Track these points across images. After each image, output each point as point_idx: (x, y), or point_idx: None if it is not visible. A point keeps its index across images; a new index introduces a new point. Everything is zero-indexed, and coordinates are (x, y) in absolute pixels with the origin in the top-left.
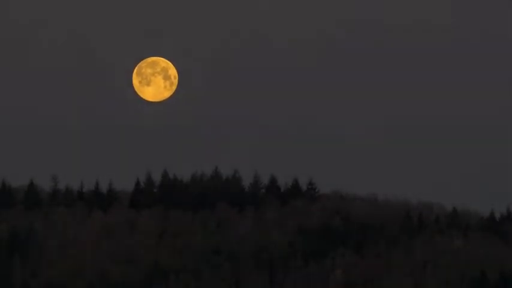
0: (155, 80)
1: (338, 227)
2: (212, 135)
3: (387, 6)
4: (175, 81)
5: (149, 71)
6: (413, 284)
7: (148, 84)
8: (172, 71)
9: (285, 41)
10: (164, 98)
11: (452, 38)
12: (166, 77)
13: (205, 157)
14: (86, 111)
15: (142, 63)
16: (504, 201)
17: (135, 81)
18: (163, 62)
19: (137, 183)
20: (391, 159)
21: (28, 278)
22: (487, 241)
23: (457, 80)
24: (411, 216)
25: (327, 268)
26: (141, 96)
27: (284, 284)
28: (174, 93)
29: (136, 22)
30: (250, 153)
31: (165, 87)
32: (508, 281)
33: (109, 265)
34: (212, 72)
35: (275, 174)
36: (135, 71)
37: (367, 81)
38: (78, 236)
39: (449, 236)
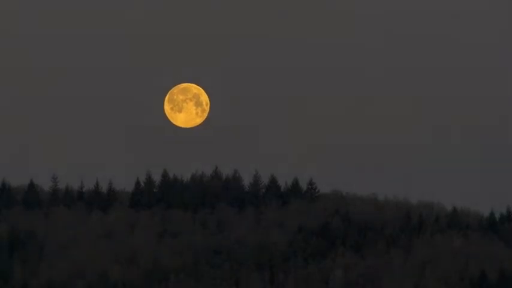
0: (187, 107)
1: (338, 227)
2: (212, 135)
3: None
4: (207, 108)
5: (181, 97)
6: (413, 284)
7: (180, 111)
8: (204, 98)
9: (286, 42)
10: (196, 125)
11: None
12: (198, 104)
13: (205, 157)
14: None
15: (174, 90)
16: (504, 201)
17: (167, 107)
18: (195, 88)
19: (137, 183)
20: (391, 159)
21: (28, 278)
22: (487, 241)
23: (457, 78)
24: (411, 216)
25: (327, 268)
26: (173, 122)
27: (284, 284)
28: (205, 119)
29: (168, 48)
30: (250, 153)
31: (196, 113)
32: (508, 281)
33: (109, 265)
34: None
35: (275, 174)
36: (166, 97)
37: (366, 81)
38: (78, 236)
39: (449, 236)
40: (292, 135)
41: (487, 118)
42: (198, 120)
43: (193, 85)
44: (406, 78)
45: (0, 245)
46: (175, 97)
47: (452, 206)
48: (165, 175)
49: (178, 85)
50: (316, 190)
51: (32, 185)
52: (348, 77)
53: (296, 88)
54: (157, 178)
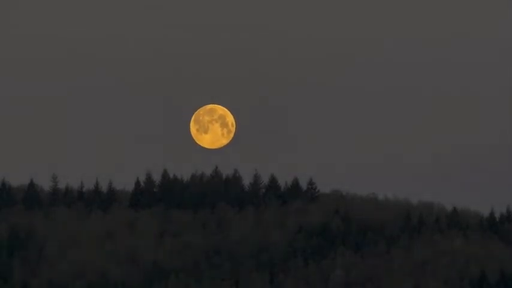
0: (213, 128)
1: (338, 227)
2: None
3: None
4: (233, 129)
5: (207, 118)
6: (413, 284)
7: (205, 132)
8: (230, 118)
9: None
10: (222, 145)
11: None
12: (224, 125)
13: (205, 157)
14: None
15: (200, 111)
16: (504, 201)
17: (193, 128)
18: (220, 109)
19: (137, 183)
20: (391, 159)
21: (28, 278)
22: (487, 241)
23: (457, 79)
24: (411, 216)
25: (327, 268)
26: (199, 143)
27: (284, 284)
28: (231, 140)
29: (194, 69)
30: (251, 153)
31: (222, 134)
32: (508, 281)
33: (109, 265)
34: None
35: (275, 174)
36: (192, 118)
37: (365, 81)
38: (78, 236)
39: (449, 236)
40: (292, 136)
41: (486, 118)
42: (224, 141)
43: (219, 106)
44: (405, 78)
45: (0, 245)
46: (201, 118)
47: (452, 206)
48: (165, 175)
49: (204, 106)
50: (316, 190)
51: (32, 185)
52: (346, 78)
53: (296, 88)
54: (157, 178)
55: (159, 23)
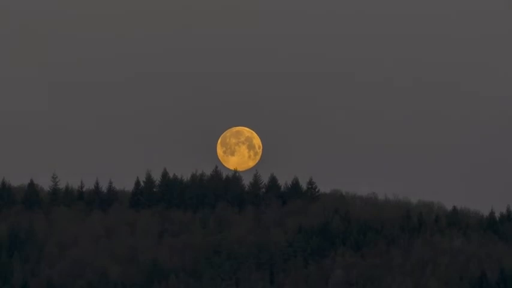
0: (239, 150)
1: (338, 226)
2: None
3: None
4: (260, 151)
5: (233, 140)
6: (413, 284)
7: (232, 154)
8: (257, 141)
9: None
10: (248, 168)
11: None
12: (251, 147)
13: (205, 157)
14: None
15: (227, 133)
16: (504, 201)
17: (220, 150)
18: (247, 131)
19: (137, 183)
20: (391, 159)
21: (28, 277)
22: (487, 241)
23: (457, 77)
24: (411, 216)
25: (327, 268)
26: (225, 165)
27: (284, 284)
28: (258, 162)
29: (221, 91)
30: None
31: (249, 156)
32: (508, 281)
33: (109, 265)
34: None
35: (275, 174)
36: (219, 140)
37: (365, 81)
38: (78, 236)
39: (449, 235)
40: (292, 135)
41: (487, 118)
42: (251, 163)
43: (246, 128)
44: (402, 77)
45: (0, 245)
46: (227, 140)
47: (452, 206)
48: (165, 175)
49: (231, 128)
50: (316, 190)
51: (32, 185)
52: (345, 80)
53: (298, 90)
54: (157, 178)
55: (186, 39)
